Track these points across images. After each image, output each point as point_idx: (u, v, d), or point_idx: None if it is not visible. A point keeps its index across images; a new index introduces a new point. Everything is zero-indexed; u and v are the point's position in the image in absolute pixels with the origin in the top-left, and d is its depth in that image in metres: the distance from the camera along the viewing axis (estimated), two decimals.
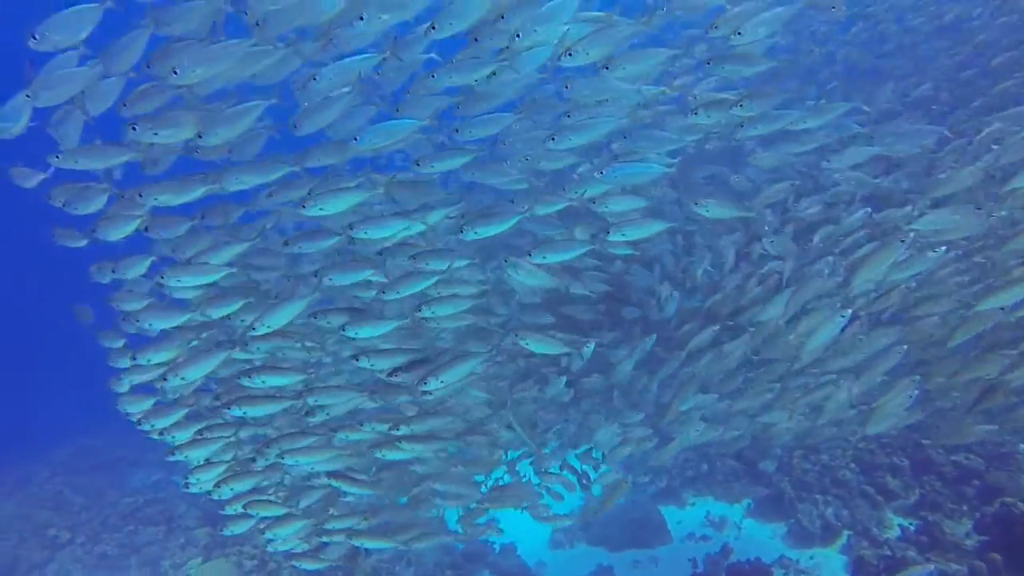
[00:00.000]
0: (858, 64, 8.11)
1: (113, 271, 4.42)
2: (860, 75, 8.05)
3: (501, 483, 5.84)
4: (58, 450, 14.59)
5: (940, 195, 4.78)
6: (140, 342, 4.65)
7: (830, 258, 4.99)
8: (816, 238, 5.39)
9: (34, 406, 20.38)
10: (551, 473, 5.86)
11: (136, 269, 4.39)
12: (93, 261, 4.66)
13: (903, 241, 4.19)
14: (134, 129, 3.68)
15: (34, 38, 3.49)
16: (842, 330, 4.67)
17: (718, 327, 5.30)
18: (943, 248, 4.33)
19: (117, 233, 4.12)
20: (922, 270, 4.50)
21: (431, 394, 4.34)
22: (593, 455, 6.38)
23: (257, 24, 3.69)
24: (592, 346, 5.13)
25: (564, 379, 5.48)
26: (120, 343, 4.75)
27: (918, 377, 4.67)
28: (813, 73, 8.00)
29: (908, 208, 5.07)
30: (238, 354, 4.46)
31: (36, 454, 14.45)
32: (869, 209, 5.35)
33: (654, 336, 5.57)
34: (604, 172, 4.42)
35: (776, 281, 5.26)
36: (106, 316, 4.91)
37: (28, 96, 3.64)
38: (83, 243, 4.36)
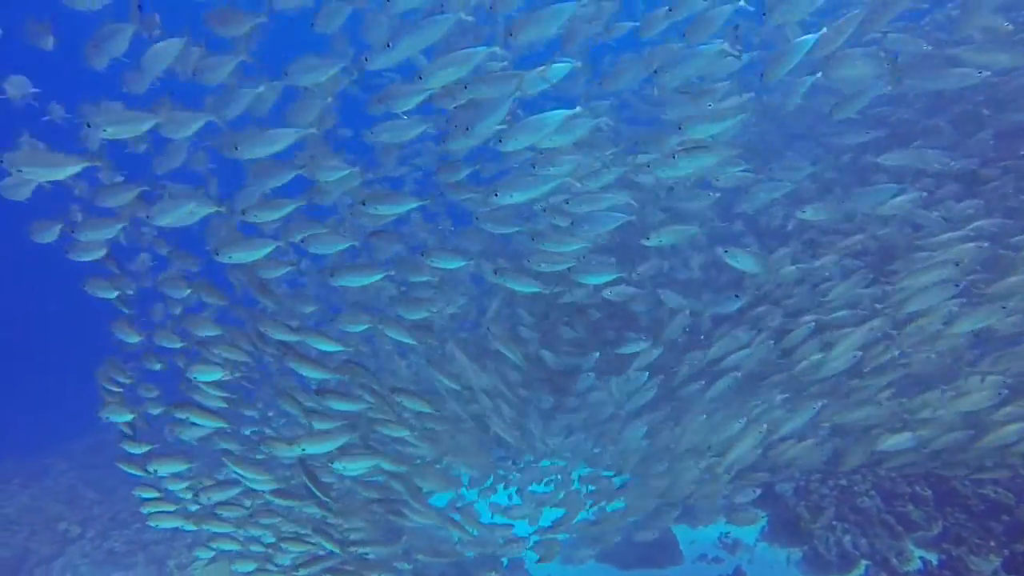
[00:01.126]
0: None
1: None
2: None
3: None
4: (76, 442, 14.73)
5: None
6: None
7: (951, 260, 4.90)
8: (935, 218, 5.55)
9: (54, 397, 20.70)
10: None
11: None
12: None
13: None
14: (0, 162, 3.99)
15: None
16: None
17: (814, 321, 5.26)
18: None
19: (87, 256, 4.61)
20: None
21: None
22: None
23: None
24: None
25: (645, 374, 5.60)
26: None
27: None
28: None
29: None
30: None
31: (54, 446, 14.62)
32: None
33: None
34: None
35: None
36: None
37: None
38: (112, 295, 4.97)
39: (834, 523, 7.19)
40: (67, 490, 11.28)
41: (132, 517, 9.91)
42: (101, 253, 4.49)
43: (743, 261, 4.98)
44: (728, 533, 8.12)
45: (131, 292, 4.84)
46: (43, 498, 10.98)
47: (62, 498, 10.94)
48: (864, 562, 6.94)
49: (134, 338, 4.90)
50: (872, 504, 7.22)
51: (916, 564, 6.69)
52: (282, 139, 4.12)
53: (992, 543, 6.54)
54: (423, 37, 3.76)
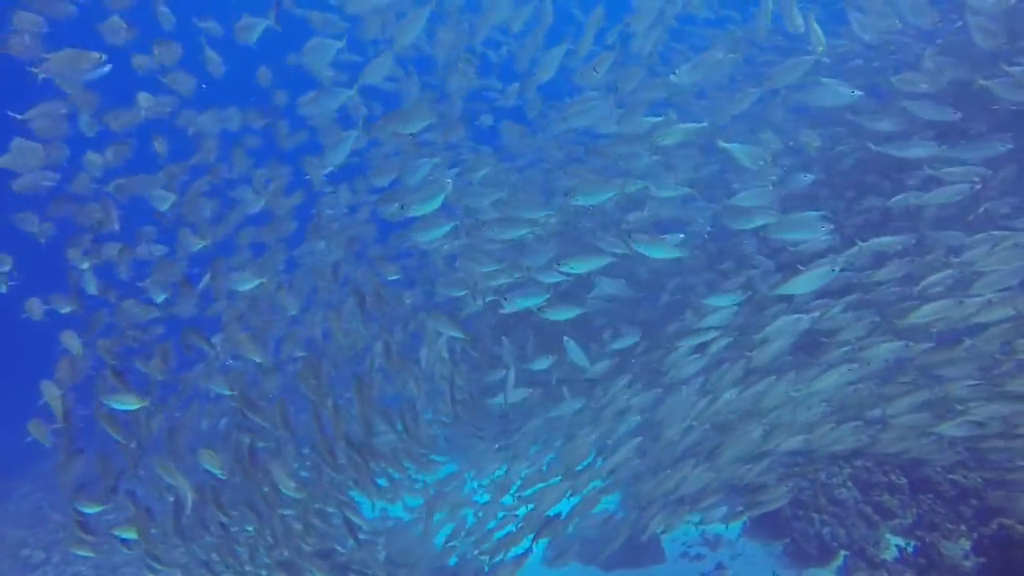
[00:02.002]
0: None
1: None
2: None
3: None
4: (42, 463, 14.23)
5: None
6: None
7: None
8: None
9: (21, 418, 19.98)
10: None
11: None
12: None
13: None
14: None
15: None
16: None
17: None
18: None
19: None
20: None
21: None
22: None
23: None
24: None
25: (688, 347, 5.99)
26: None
27: None
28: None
29: None
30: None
31: (20, 468, 14.11)
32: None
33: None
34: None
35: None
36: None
37: None
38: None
39: (813, 515, 7.26)
40: (30, 514, 10.87)
41: (100, 540, 9.58)
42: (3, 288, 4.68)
43: (651, 249, 4.96)
44: (703, 530, 8.15)
45: (69, 310, 4.96)
46: (3, 524, 10.56)
47: (24, 522, 10.54)
48: (843, 552, 7.02)
49: (78, 349, 4.93)
50: (849, 495, 7.30)
51: (893, 552, 6.78)
52: (164, 200, 5.81)
53: (962, 527, 6.66)
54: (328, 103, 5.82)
